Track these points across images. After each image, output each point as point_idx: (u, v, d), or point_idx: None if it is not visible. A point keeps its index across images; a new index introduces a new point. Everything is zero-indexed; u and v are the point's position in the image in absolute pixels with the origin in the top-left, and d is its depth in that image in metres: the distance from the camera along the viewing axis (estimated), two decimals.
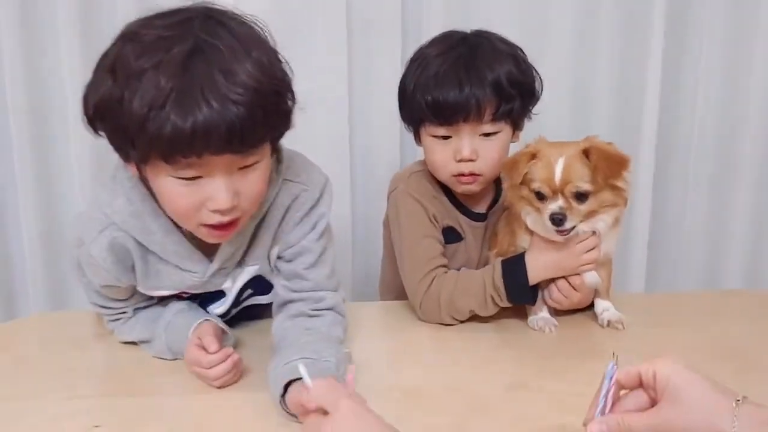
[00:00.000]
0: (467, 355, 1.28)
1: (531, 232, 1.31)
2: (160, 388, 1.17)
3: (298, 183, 1.20)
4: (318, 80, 1.75)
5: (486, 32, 1.39)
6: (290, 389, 1.02)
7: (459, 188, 1.41)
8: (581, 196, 1.23)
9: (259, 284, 1.28)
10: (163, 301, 1.28)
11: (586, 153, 1.22)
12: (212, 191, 1.00)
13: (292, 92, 1.04)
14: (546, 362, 1.23)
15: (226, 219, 1.04)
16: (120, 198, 1.12)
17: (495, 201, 1.48)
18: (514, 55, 1.36)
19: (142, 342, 1.26)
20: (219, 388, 1.13)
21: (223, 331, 1.23)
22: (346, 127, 1.85)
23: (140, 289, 1.21)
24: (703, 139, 1.95)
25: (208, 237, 1.09)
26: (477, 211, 1.47)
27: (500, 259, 1.34)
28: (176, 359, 1.23)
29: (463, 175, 1.36)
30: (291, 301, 1.23)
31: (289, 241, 1.22)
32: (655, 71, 1.85)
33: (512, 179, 1.28)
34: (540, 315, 1.35)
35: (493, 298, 1.32)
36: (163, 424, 1.06)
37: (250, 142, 0.99)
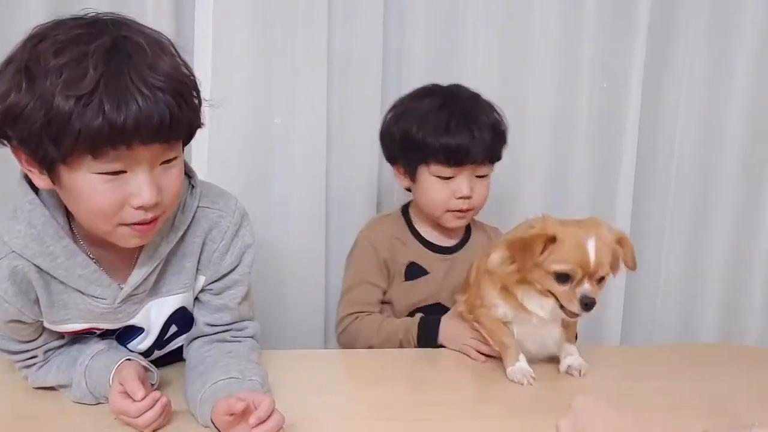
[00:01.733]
0: (441, 410, 1.23)
1: (504, 296, 1.32)
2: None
3: (216, 210, 1.19)
4: (297, 117, 1.76)
5: (460, 85, 1.57)
6: (215, 408, 1.04)
7: (452, 223, 1.56)
8: (602, 280, 1.25)
9: (184, 319, 1.24)
10: (76, 341, 1.21)
11: (619, 242, 1.26)
12: (136, 187, 1.00)
13: (198, 90, 1.05)
14: (527, 418, 1.19)
15: (149, 216, 1.03)
16: (20, 224, 1.06)
17: (466, 237, 1.63)
18: (489, 103, 1.55)
19: (61, 387, 1.18)
20: None
21: (146, 369, 1.17)
22: (323, 163, 1.83)
23: (47, 324, 1.14)
24: (679, 187, 1.97)
25: (129, 238, 1.06)
26: (443, 245, 1.61)
27: (419, 320, 1.50)
28: (99, 403, 1.15)
29: (460, 210, 1.52)
30: (213, 333, 1.23)
31: (219, 271, 1.20)
32: (635, 104, 1.88)
33: (524, 261, 1.24)
34: (517, 366, 1.31)
35: (402, 344, 1.48)
36: None
37: (176, 132, 1.00)
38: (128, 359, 1.15)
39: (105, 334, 1.22)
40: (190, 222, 1.16)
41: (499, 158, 1.54)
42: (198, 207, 1.17)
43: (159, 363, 1.27)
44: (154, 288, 1.17)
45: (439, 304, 1.58)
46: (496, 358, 1.36)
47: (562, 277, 1.22)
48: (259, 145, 1.76)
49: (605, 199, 1.93)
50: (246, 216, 1.24)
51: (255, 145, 1.76)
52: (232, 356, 1.18)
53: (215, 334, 1.23)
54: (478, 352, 1.38)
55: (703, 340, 1.97)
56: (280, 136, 1.77)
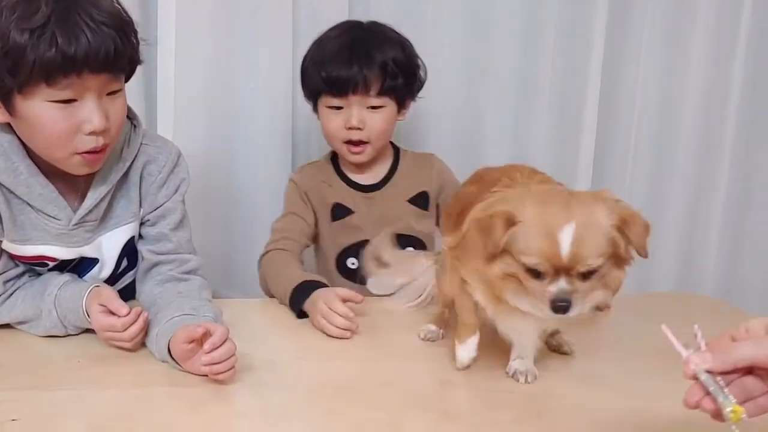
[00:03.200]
0: (400, 351, 1.28)
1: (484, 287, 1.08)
2: (80, 382, 1.13)
3: (155, 147, 1.31)
4: (262, 83, 1.81)
5: (380, 23, 1.60)
6: (174, 338, 1.11)
7: (350, 157, 1.59)
8: (587, 276, 0.98)
9: (134, 252, 1.33)
10: (38, 278, 1.29)
11: (620, 226, 0.97)
12: (87, 113, 1.11)
13: (136, 32, 1.16)
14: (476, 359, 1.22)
15: (100, 143, 1.14)
16: None
17: (392, 172, 1.65)
18: (401, 43, 1.58)
19: (24, 322, 1.24)
20: (131, 350, 1.17)
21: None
22: (289, 128, 1.87)
23: (7, 242, 1.23)
24: (639, 148, 1.99)
25: (79, 166, 1.17)
26: (367, 183, 1.64)
27: (302, 281, 1.40)
28: (68, 335, 1.23)
29: (352, 143, 1.55)
30: (158, 264, 1.30)
31: (155, 202, 1.30)
32: (596, 65, 1.90)
33: (487, 248, 1.00)
34: (468, 342, 1.18)
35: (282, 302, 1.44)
36: (82, 418, 1.03)
37: (121, 64, 1.13)
38: (97, 286, 1.23)
39: (59, 267, 1.29)
40: (135, 156, 1.26)
41: (395, 93, 1.55)
42: (141, 144, 1.29)
43: None
44: (105, 218, 1.26)
45: (367, 241, 1.55)
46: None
47: (533, 271, 0.98)
48: (224, 86, 1.80)
49: (567, 159, 1.94)
50: (182, 156, 1.35)
51: (220, 86, 1.80)
52: (183, 296, 1.24)
53: (160, 266, 1.30)
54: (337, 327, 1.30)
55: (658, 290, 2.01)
56: (246, 77, 1.81)
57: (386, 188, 1.64)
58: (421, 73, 1.61)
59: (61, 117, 1.10)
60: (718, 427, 1.00)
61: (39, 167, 1.20)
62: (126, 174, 1.27)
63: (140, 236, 1.33)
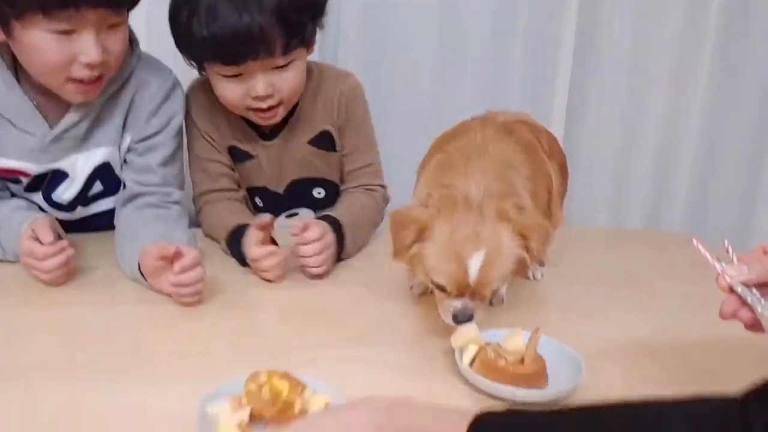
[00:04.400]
0: (374, 277, 1.28)
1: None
2: (50, 302, 1.13)
3: (150, 72, 1.27)
4: None
5: None
6: (144, 252, 1.12)
7: (260, 122, 1.34)
8: (495, 292, 1.06)
9: (109, 178, 1.30)
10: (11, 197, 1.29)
11: (522, 238, 1.00)
12: (84, 46, 1.09)
13: None
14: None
15: (95, 74, 1.13)
16: None
17: (292, 110, 1.37)
18: None
19: None
20: (49, 284, 1.14)
21: (59, 235, 1.21)
22: None
23: None
24: (614, 92, 1.99)
25: (74, 94, 1.16)
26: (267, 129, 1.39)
27: (231, 230, 1.28)
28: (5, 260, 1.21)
29: (261, 110, 1.29)
30: (140, 195, 1.27)
31: (144, 132, 1.27)
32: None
33: (395, 247, 1.03)
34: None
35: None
36: (54, 335, 1.03)
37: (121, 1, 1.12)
38: (45, 217, 1.20)
39: (33, 184, 1.26)
40: (126, 81, 1.23)
41: (311, 36, 1.28)
42: (135, 68, 1.24)
43: (86, 227, 1.34)
44: (84, 139, 1.23)
45: (266, 188, 1.45)
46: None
47: (440, 285, 1.01)
48: None
49: (541, 104, 1.92)
50: (178, 86, 1.30)
51: None
52: (160, 221, 1.24)
53: (142, 196, 1.27)
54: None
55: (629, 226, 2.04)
56: None
57: (284, 132, 1.39)
58: None
59: (58, 47, 1.08)
60: (675, 350, 1.05)
61: (27, 83, 1.18)
62: (114, 97, 1.24)
63: (125, 162, 1.29)
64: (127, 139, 1.27)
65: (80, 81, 1.12)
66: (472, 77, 1.92)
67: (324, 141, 1.40)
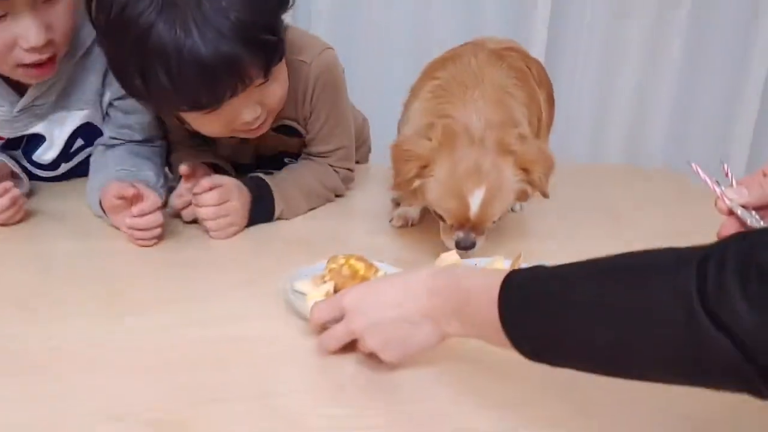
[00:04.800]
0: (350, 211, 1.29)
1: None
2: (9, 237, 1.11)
3: None
4: None
5: None
6: (106, 188, 1.09)
7: (33, 80, 1.14)
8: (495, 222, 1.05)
9: (91, 133, 1.24)
10: None
11: (525, 177, 1.00)
12: (22, 30, 1.00)
13: None
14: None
15: (44, 56, 1.04)
16: None
17: None
18: None
19: None
20: (2, 223, 1.11)
21: (15, 175, 1.18)
22: None
23: None
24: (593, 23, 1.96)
25: (28, 77, 1.08)
26: None
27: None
28: None
29: (251, 130, 1.14)
30: (118, 145, 1.23)
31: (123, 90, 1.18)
32: None
33: (396, 181, 1.04)
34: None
35: None
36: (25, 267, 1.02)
37: None
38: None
39: (9, 144, 1.22)
40: (94, 42, 1.13)
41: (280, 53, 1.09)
42: None
43: (75, 174, 1.30)
44: (57, 102, 1.17)
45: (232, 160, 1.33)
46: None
47: (439, 216, 1.03)
48: None
49: (522, 32, 1.88)
50: None
51: None
52: (131, 156, 1.19)
53: (120, 144, 1.23)
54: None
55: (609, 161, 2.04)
56: None
57: None
58: None
59: None
60: None
61: None
62: (85, 58, 1.16)
63: (106, 114, 1.23)
64: (107, 96, 1.20)
65: (30, 65, 1.04)
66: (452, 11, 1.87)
67: (288, 130, 1.28)
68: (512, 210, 1.30)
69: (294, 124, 1.27)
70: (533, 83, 1.15)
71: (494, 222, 1.03)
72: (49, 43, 1.03)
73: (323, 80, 1.22)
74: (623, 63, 1.97)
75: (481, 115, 1.00)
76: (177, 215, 1.18)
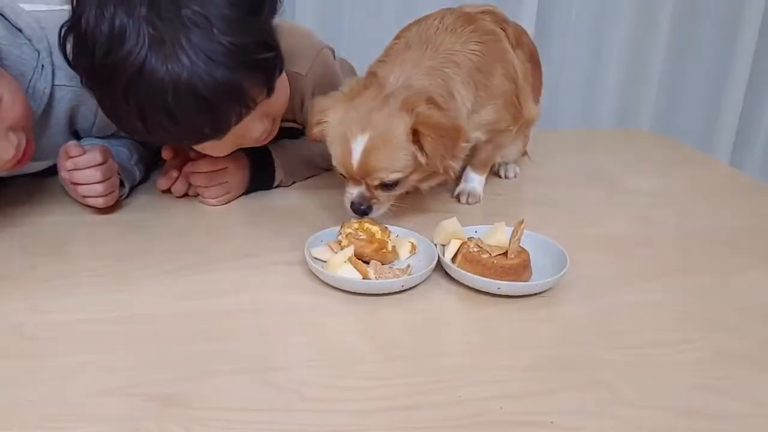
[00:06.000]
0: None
1: None
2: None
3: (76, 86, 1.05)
4: None
5: None
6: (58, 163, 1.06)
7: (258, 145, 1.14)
8: (388, 186, 0.99)
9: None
10: None
11: (414, 134, 0.95)
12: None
13: None
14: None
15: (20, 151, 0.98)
16: None
17: None
18: None
19: None
20: None
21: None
22: None
23: None
24: None
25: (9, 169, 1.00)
26: None
27: None
28: None
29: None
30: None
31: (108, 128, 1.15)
32: None
33: (308, 134, 1.04)
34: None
35: None
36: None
37: None
38: None
39: None
40: (48, 103, 1.06)
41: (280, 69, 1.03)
42: (54, 86, 1.05)
43: None
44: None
45: None
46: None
47: (335, 167, 1.02)
48: None
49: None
50: None
51: None
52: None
53: None
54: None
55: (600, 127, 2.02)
56: None
57: None
58: None
59: None
60: (654, 242, 1.05)
61: None
62: (42, 119, 1.06)
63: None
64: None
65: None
66: None
67: (287, 130, 1.25)
68: (506, 177, 1.29)
69: (293, 125, 1.25)
70: (505, 44, 1.11)
71: (388, 185, 0.98)
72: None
73: (320, 89, 1.16)
74: (615, 26, 1.94)
75: (403, 76, 0.98)
76: (167, 191, 1.16)
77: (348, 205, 1.00)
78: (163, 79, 0.87)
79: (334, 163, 1.00)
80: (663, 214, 1.17)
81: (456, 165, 1.01)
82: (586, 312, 0.86)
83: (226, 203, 1.15)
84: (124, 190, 1.13)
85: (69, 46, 0.93)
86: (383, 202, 1.00)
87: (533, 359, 0.76)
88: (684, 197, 1.26)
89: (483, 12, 1.13)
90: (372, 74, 1.02)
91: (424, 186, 1.05)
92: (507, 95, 1.09)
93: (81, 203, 1.08)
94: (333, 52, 1.26)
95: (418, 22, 1.09)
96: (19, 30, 1.00)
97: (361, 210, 0.99)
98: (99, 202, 1.06)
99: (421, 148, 0.95)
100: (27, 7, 1.04)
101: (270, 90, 0.98)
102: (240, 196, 1.17)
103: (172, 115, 0.90)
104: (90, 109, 1.09)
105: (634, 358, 0.76)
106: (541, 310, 0.85)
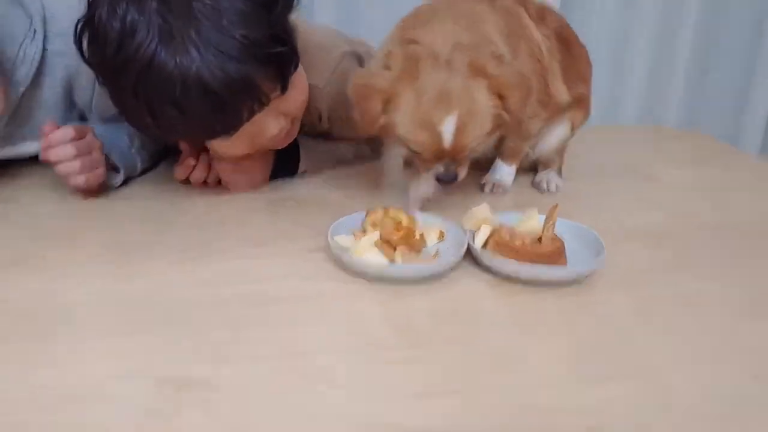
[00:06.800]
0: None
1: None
2: None
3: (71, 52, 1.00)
4: None
5: None
6: None
7: (278, 146, 1.13)
8: (474, 150, 0.96)
9: None
10: None
11: (500, 102, 0.91)
12: None
13: None
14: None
15: None
16: None
17: None
18: None
19: None
20: None
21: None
22: None
23: None
24: None
25: None
26: None
27: None
28: None
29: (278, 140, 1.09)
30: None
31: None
32: None
33: (364, 121, 0.95)
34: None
35: None
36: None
37: None
38: None
39: None
40: (38, 70, 1.04)
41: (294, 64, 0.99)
42: (46, 50, 1.03)
43: None
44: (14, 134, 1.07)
45: None
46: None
47: (413, 151, 0.96)
48: None
49: None
50: None
51: None
52: (108, 120, 1.12)
53: None
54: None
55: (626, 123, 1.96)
56: None
57: None
58: None
59: None
60: (690, 232, 1.01)
61: None
62: (35, 88, 1.04)
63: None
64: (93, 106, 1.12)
65: None
66: None
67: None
68: (548, 189, 1.18)
69: (314, 131, 1.21)
70: (527, 20, 1.06)
71: (473, 150, 0.95)
72: None
73: (337, 103, 1.13)
74: (639, 27, 1.89)
75: (447, 37, 0.92)
76: (186, 182, 1.12)
77: (433, 178, 0.95)
78: (171, 73, 0.86)
79: (417, 148, 0.93)
80: (698, 206, 1.13)
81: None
82: (626, 300, 0.81)
83: (249, 190, 1.12)
84: (119, 177, 1.09)
85: (86, 44, 0.92)
86: (465, 166, 0.96)
87: (573, 346, 0.71)
88: (717, 189, 1.22)
89: None
90: (410, 41, 0.93)
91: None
92: (535, 73, 1.02)
93: (68, 186, 1.04)
94: (359, 56, 1.20)
95: (428, 4, 1.03)
96: None
97: (449, 180, 0.95)
98: (80, 180, 1.01)
99: (507, 110, 0.92)
100: None
101: (284, 86, 0.95)
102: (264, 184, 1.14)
103: (182, 109, 0.88)
104: (88, 79, 1.06)
105: (681, 346, 0.72)
106: (578, 298, 0.81)
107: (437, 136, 0.89)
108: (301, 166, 1.17)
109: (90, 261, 0.88)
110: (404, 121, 0.91)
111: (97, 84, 1.04)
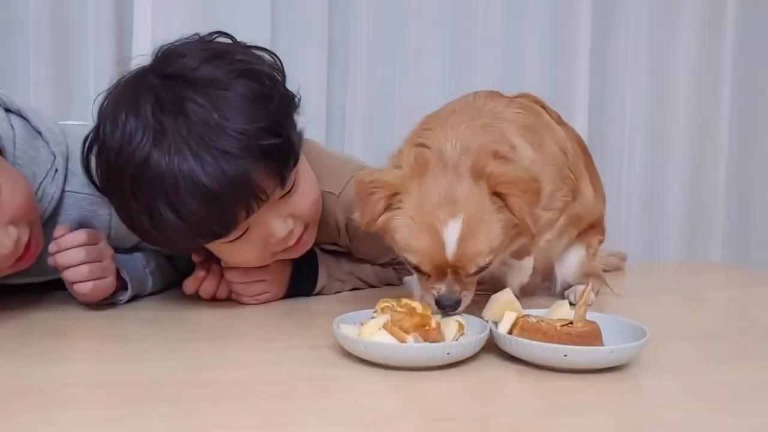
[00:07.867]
0: None
1: None
2: None
3: (89, 196, 1.03)
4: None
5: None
6: None
7: (292, 256, 1.05)
8: (481, 269, 0.84)
9: None
10: None
11: (497, 196, 0.82)
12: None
13: None
14: None
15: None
16: None
17: None
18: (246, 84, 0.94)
19: None
20: None
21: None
22: None
23: None
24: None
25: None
26: None
27: None
28: None
29: (290, 247, 1.02)
30: None
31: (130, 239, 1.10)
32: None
33: (364, 219, 0.86)
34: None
35: None
36: None
37: None
38: None
39: None
40: (55, 209, 1.03)
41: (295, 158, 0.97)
42: (65, 192, 1.02)
43: None
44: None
45: None
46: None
47: (411, 264, 0.85)
48: None
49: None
50: None
51: None
52: None
53: None
54: None
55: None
56: None
57: None
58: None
59: None
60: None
61: None
62: (47, 227, 1.01)
63: None
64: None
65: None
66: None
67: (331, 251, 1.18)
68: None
69: (336, 248, 1.16)
70: (548, 118, 1.03)
71: (482, 267, 0.83)
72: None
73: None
74: (670, 162, 1.87)
75: (458, 140, 0.85)
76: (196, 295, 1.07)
77: (432, 303, 0.82)
78: (164, 172, 0.86)
79: (415, 259, 0.82)
80: (743, 315, 1.08)
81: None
82: (672, 386, 0.71)
83: (260, 302, 1.05)
84: (125, 294, 1.03)
85: (94, 156, 0.94)
86: (471, 290, 0.84)
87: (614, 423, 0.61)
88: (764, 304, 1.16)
89: (521, 95, 1.05)
90: (421, 146, 0.88)
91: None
92: (560, 164, 0.96)
93: (75, 298, 0.99)
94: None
95: (456, 100, 1.01)
96: (39, 133, 1.00)
97: (451, 306, 0.82)
98: (87, 287, 0.96)
99: (508, 209, 0.82)
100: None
101: (283, 181, 0.93)
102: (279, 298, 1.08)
103: (176, 208, 0.87)
104: (102, 221, 1.03)
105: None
106: (618, 384, 0.70)
107: (439, 243, 0.80)
108: (319, 283, 1.11)
109: (72, 350, 0.84)
110: (405, 222, 0.82)
111: (113, 222, 1.02)
